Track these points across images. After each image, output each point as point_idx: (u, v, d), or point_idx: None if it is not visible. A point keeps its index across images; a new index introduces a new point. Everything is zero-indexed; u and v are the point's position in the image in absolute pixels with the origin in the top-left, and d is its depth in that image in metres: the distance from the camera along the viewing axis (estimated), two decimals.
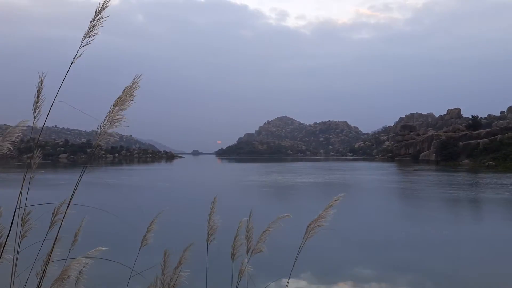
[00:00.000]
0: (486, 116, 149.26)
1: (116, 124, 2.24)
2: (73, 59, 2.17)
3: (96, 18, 2.28)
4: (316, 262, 11.12)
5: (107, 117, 2.25)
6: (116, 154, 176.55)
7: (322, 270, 10.89)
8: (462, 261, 11.96)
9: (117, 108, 2.26)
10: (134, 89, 2.29)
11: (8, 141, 2.23)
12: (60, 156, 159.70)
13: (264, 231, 2.73)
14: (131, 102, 2.30)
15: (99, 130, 2.27)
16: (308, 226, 2.78)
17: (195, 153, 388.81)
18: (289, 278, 2.76)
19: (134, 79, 2.31)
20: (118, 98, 2.27)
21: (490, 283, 10.00)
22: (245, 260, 2.63)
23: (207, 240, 2.74)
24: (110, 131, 2.25)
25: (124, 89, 2.29)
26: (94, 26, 2.27)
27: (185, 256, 2.55)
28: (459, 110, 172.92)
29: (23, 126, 2.30)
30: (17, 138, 2.26)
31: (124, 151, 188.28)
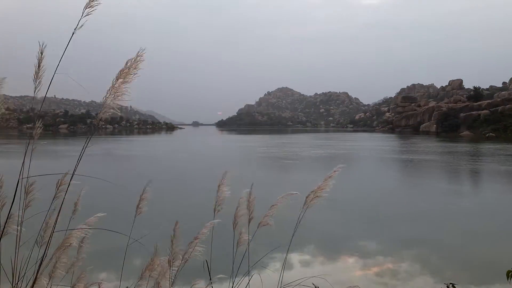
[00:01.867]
0: (488, 87, 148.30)
1: (119, 97, 2.21)
2: (74, 29, 2.12)
3: None
4: (326, 234, 11.18)
5: (110, 90, 2.22)
6: (116, 125, 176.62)
7: (330, 242, 10.94)
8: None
9: (120, 80, 2.23)
10: (138, 63, 2.25)
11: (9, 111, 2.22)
12: (60, 126, 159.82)
13: (272, 206, 2.75)
14: (135, 75, 2.25)
15: (101, 102, 2.25)
16: (307, 197, 2.78)
17: (195, 124, 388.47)
18: (289, 247, 2.78)
19: (138, 52, 2.27)
20: (120, 71, 2.23)
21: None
22: (244, 229, 2.66)
23: (214, 209, 2.77)
24: (112, 103, 2.22)
25: (127, 62, 2.24)
26: None
27: (202, 232, 2.58)
28: (460, 81, 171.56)
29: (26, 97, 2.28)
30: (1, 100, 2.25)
31: (124, 122, 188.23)
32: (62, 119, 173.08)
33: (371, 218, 13.65)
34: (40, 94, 2.25)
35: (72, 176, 2.32)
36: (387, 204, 16.30)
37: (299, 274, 7.42)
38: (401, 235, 11.73)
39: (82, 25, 2.12)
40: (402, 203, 16.59)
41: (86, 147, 2.28)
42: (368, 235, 11.62)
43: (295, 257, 9.28)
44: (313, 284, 2.84)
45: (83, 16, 2.14)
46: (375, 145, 60.18)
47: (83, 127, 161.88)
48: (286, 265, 2.78)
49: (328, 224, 12.20)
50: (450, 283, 3.16)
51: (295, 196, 2.73)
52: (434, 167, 29.97)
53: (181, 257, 2.49)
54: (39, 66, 2.23)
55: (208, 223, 2.61)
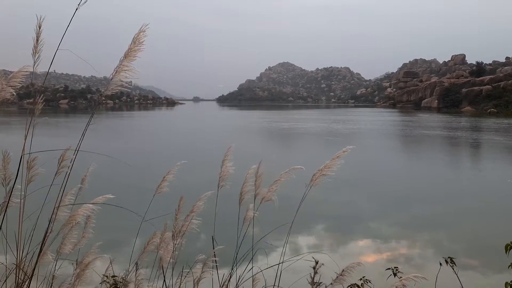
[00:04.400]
0: (490, 62, 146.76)
1: (125, 73, 2.17)
2: (78, 5, 2.06)
3: None
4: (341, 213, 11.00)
5: (117, 68, 2.17)
6: (117, 100, 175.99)
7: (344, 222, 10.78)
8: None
9: (126, 58, 2.18)
10: (142, 39, 2.19)
11: (11, 86, 2.17)
12: (60, 101, 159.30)
13: (276, 181, 2.68)
14: (140, 51, 2.21)
15: (110, 77, 2.21)
16: (313, 175, 2.75)
17: (196, 99, 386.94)
18: (292, 224, 2.76)
19: (141, 27, 2.20)
20: (128, 49, 2.18)
21: None
22: (251, 205, 2.63)
23: (218, 185, 2.72)
24: (119, 80, 2.18)
25: (134, 41, 2.18)
26: None
27: (197, 205, 2.55)
28: (463, 56, 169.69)
29: (25, 72, 2.24)
30: (20, 83, 2.21)
31: (124, 97, 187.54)
32: (62, 94, 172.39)
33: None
34: (41, 69, 2.20)
35: (76, 151, 2.29)
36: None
37: (302, 250, 7.47)
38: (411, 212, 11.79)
39: (86, 1, 2.05)
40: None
41: (89, 123, 2.25)
42: (377, 213, 11.68)
43: (299, 235, 9.28)
44: (313, 258, 2.85)
45: None
46: (392, 120, 60.30)
47: (83, 102, 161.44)
48: (290, 243, 2.77)
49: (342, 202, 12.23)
50: (449, 257, 3.17)
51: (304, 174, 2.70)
52: (460, 144, 30.03)
53: (180, 231, 2.48)
54: (37, 40, 2.17)
55: (210, 195, 2.59)
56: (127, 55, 2.18)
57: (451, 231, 9.96)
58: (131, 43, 2.20)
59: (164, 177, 2.80)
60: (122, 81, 2.18)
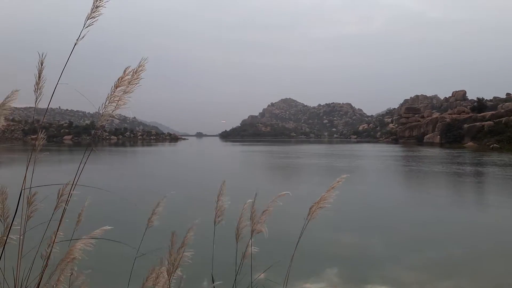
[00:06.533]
0: (491, 98, 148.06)
1: (120, 106, 2.22)
2: (76, 40, 2.13)
3: None
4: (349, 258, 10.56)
5: (108, 98, 2.22)
6: (120, 136, 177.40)
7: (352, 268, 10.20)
8: None
9: (119, 89, 2.23)
10: (140, 72, 2.25)
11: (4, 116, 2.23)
12: (64, 137, 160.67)
13: (264, 211, 2.62)
14: (137, 85, 2.26)
15: (101, 111, 2.25)
16: (310, 208, 2.75)
17: (199, 135, 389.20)
18: (291, 260, 2.72)
19: (140, 62, 2.27)
20: (119, 78, 2.23)
21: None
22: (251, 241, 2.62)
23: (214, 221, 2.70)
24: (112, 112, 2.23)
25: (125, 70, 2.24)
26: (97, 6, 2.20)
27: (188, 236, 2.53)
28: (464, 92, 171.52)
29: (14, 100, 2.30)
30: (9, 112, 2.26)
31: (128, 133, 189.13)
32: (67, 130, 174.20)
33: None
34: (44, 105, 2.26)
35: (73, 186, 2.31)
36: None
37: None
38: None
39: (83, 36, 2.12)
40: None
41: (87, 157, 2.28)
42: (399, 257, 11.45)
43: (303, 275, 8.99)
44: None
45: (85, 27, 2.15)
46: (403, 155, 60.21)
47: (87, 138, 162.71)
48: (291, 279, 2.71)
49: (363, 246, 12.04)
50: None
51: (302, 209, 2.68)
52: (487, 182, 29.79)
53: (171, 265, 2.46)
54: (39, 77, 2.23)
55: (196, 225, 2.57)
56: (118, 85, 2.23)
57: (469, 277, 9.54)
58: (124, 74, 2.25)
59: (153, 210, 2.79)
60: (113, 116, 2.22)
